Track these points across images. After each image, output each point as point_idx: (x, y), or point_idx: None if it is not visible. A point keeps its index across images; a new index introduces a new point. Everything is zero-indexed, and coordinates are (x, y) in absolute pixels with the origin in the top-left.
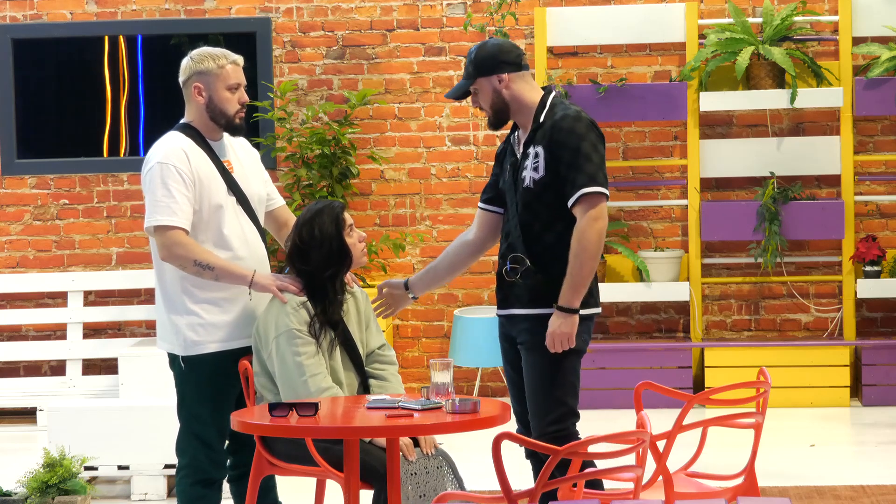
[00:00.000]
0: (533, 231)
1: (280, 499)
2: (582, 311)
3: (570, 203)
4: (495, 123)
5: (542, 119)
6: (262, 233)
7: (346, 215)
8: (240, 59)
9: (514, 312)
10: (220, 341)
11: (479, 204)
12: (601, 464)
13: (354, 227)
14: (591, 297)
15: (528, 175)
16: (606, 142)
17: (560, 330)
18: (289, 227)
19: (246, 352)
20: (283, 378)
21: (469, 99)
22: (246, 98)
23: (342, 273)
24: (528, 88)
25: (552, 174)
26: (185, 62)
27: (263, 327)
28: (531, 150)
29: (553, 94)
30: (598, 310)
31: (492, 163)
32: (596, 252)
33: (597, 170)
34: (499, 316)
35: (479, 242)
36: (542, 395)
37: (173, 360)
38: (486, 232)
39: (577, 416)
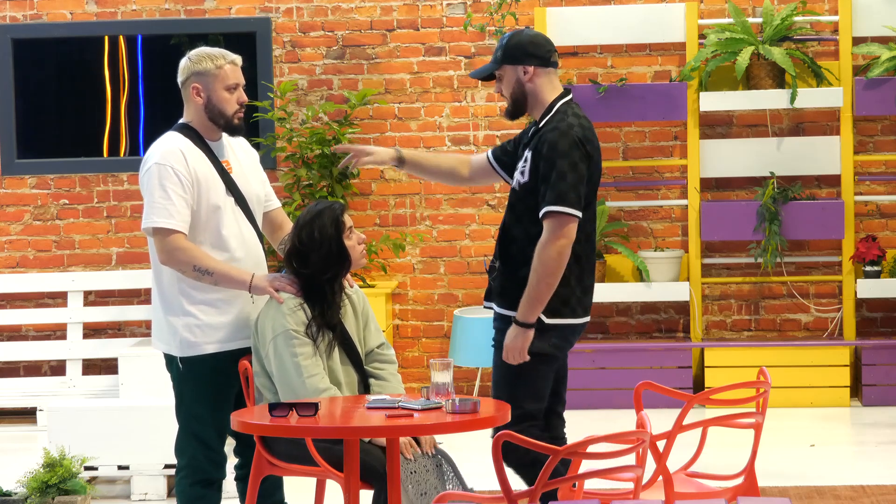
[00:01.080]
0: (511, 232)
1: (285, 499)
2: (548, 320)
3: (540, 215)
4: (512, 113)
5: (541, 124)
6: (260, 234)
7: (346, 217)
8: (238, 59)
9: (491, 306)
10: (217, 342)
11: (488, 153)
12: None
13: (354, 229)
14: (565, 307)
15: (517, 177)
16: (607, 142)
17: (513, 343)
18: (283, 229)
19: (244, 352)
20: (281, 379)
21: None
22: (245, 98)
23: (341, 276)
24: (549, 87)
25: (534, 182)
26: (183, 62)
27: (261, 328)
28: (526, 153)
29: (565, 99)
30: (574, 320)
31: None
32: (554, 270)
33: (568, 189)
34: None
35: (466, 176)
36: (502, 395)
37: (170, 360)
38: (476, 175)
39: (537, 420)
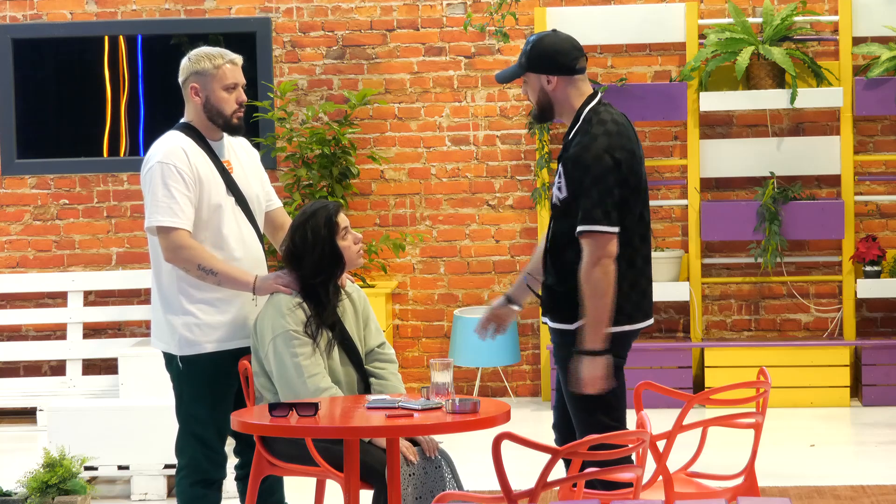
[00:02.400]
0: (556, 244)
1: (286, 499)
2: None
3: (576, 233)
4: (539, 118)
5: (571, 135)
6: (260, 234)
7: (341, 217)
8: (238, 59)
9: (546, 322)
10: (216, 341)
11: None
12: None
13: (350, 230)
14: (621, 315)
15: (555, 193)
16: None
17: (589, 374)
18: (284, 229)
19: (243, 352)
20: (281, 379)
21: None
22: (244, 98)
23: (335, 277)
24: (576, 94)
25: (572, 196)
26: (183, 62)
27: (261, 329)
28: (559, 167)
29: (592, 104)
30: (631, 326)
31: (491, 163)
32: (604, 290)
33: (593, 207)
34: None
35: None
36: (577, 411)
37: (169, 360)
38: None
39: (618, 429)
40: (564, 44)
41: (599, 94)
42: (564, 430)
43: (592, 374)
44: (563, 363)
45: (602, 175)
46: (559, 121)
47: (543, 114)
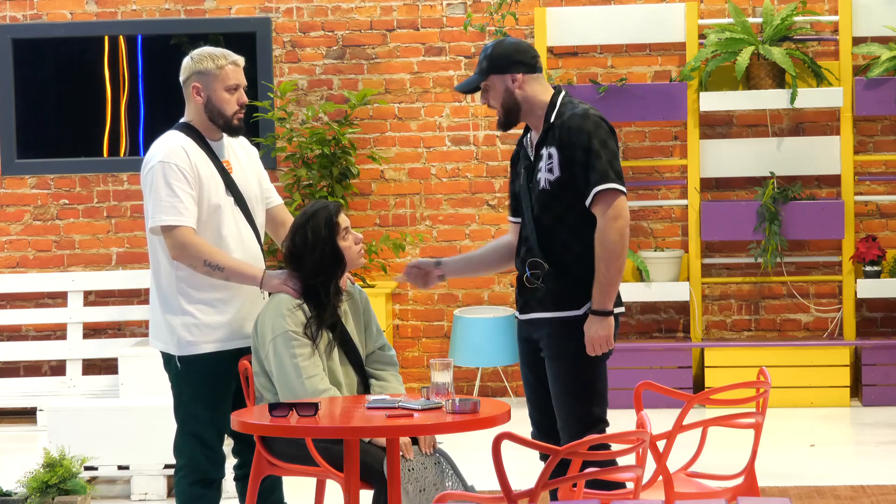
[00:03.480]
0: (551, 232)
1: (285, 499)
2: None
3: (587, 203)
4: (505, 124)
5: (552, 119)
6: (259, 234)
7: (342, 218)
8: (240, 60)
9: (536, 316)
10: (215, 342)
11: (509, 218)
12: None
13: (351, 230)
14: (617, 297)
15: (544, 177)
16: None
17: (598, 334)
18: (286, 226)
19: (243, 352)
20: (280, 380)
21: (478, 95)
22: (245, 99)
23: (336, 278)
24: (542, 90)
25: (568, 174)
26: (185, 61)
27: (261, 329)
28: (544, 152)
29: (562, 94)
30: (622, 309)
31: (491, 163)
32: (620, 251)
33: (607, 166)
34: (519, 320)
35: (514, 249)
36: (568, 405)
37: (168, 360)
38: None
39: (606, 423)
40: (522, 44)
41: (564, 91)
42: (548, 427)
43: (603, 333)
44: (563, 353)
45: (605, 139)
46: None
47: (509, 117)
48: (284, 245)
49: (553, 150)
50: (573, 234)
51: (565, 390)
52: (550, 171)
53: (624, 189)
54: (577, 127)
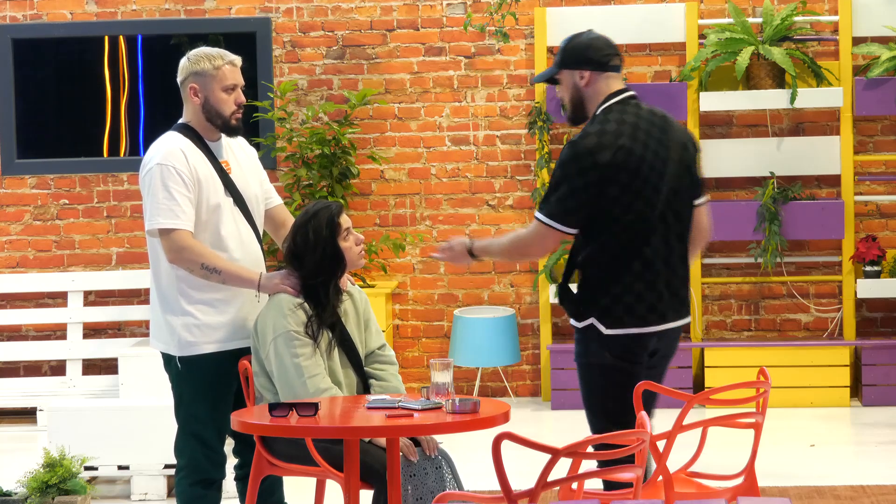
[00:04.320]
0: (575, 244)
1: (285, 499)
2: (607, 331)
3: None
4: (572, 119)
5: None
6: (259, 234)
7: (344, 218)
8: (237, 60)
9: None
10: (215, 342)
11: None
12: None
13: (352, 230)
14: (630, 315)
15: None
16: None
17: (453, 254)
18: (286, 226)
19: (243, 352)
20: (281, 379)
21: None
22: (242, 99)
23: (336, 278)
24: (604, 91)
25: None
26: (182, 62)
27: (262, 328)
28: None
29: (610, 101)
30: (641, 329)
31: (491, 163)
32: (510, 254)
33: (553, 200)
34: None
35: None
36: (586, 412)
37: (168, 360)
38: None
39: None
40: (598, 41)
41: (625, 95)
42: None
43: (458, 256)
44: (577, 360)
45: (573, 175)
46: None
47: (575, 112)
48: (285, 244)
49: None
50: (584, 248)
51: (584, 399)
52: None
53: (556, 225)
54: (563, 150)
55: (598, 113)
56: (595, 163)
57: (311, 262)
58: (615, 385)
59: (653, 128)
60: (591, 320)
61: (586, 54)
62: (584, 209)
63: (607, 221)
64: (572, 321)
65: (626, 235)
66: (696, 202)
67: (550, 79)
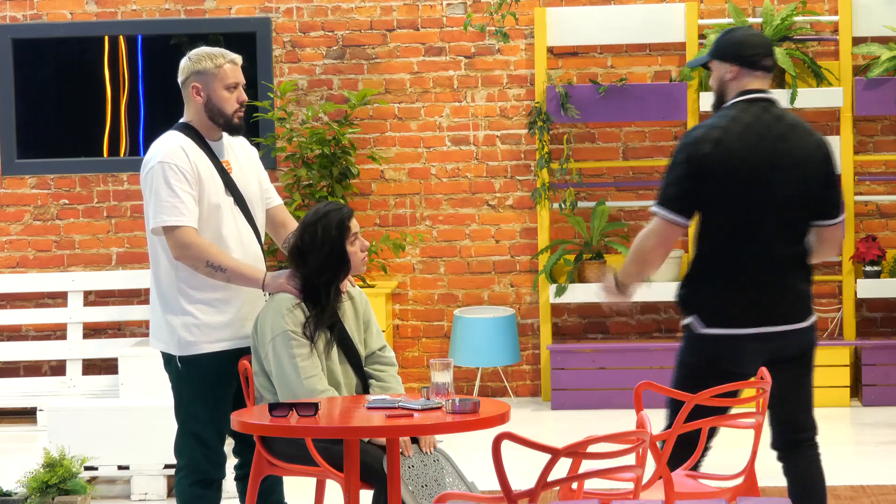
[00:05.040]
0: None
1: (285, 499)
2: (702, 330)
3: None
4: (717, 107)
5: None
6: (259, 234)
7: (353, 223)
8: (238, 59)
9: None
10: (215, 342)
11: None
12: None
13: (359, 237)
14: (720, 316)
15: None
16: (607, 142)
17: (605, 285)
18: (286, 226)
19: (243, 352)
20: (279, 379)
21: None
22: (244, 97)
23: (338, 280)
24: (736, 91)
25: None
26: (183, 62)
27: (261, 328)
28: None
29: (737, 99)
30: (732, 330)
31: (491, 163)
32: (634, 261)
33: (661, 187)
34: None
35: None
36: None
37: (168, 360)
38: None
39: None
40: (752, 38)
41: (756, 96)
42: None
43: (604, 291)
44: (677, 356)
45: (676, 163)
46: None
47: (717, 102)
48: (291, 240)
49: None
50: (696, 245)
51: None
52: None
53: (663, 213)
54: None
55: (722, 108)
56: (696, 153)
57: (316, 261)
58: (703, 383)
59: (769, 133)
60: (691, 318)
61: (737, 50)
62: (688, 197)
63: (707, 221)
64: (684, 319)
65: (722, 237)
66: (827, 222)
67: (702, 65)
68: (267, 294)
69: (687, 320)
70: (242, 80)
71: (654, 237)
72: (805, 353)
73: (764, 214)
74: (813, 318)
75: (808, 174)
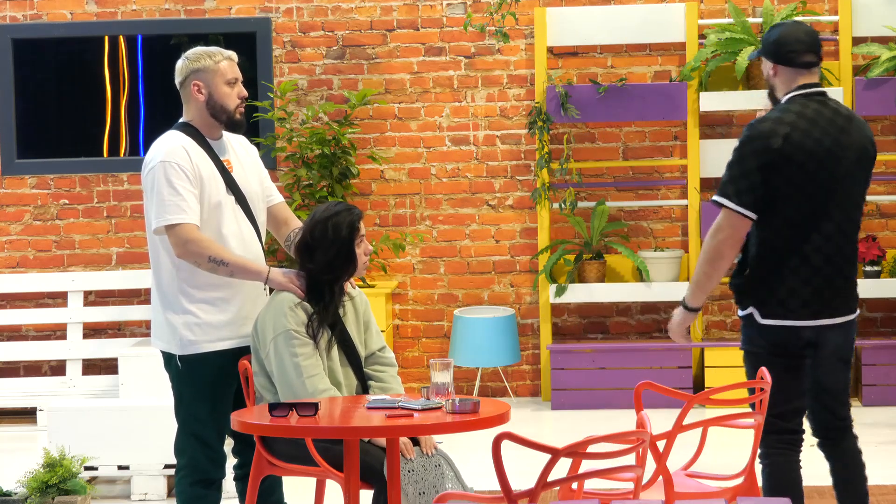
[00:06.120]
0: (748, 236)
1: (285, 499)
2: (763, 321)
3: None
4: (771, 100)
5: None
6: (260, 233)
7: (362, 225)
8: (234, 55)
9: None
10: (216, 341)
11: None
12: (601, 464)
13: (365, 239)
14: (781, 308)
15: None
16: (607, 142)
17: (672, 321)
18: (288, 224)
19: (243, 351)
20: (280, 379)
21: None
22: (245, 92)
23: (343, 279)
24: (786, 86)
25: None
26: (180, 63)
27: (261, 327)
28: None
29: (792, 94)
30: (792, 322)
31: (491, 163)
32: (709, 259)
33: (727, 181)
34: None
35: None
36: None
37: (169, 359)
38: None
39: (780, 429)
40: (790, 35)
41: (811, 90)
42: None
43: (676, 324)
44: (741, 346)
45: (744, 156)
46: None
47: (771, 96)
48: (299, 234)
49: None
50: (748, 237)
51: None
52: None
53: (733, 206)
54: (742, 131)
55: (781, 102)
56: (766, 147)
57: (323, 258)
58: (756, 367)
59: (831, 127)
60: (751, 309)
61: (773, 48)
62: (757, 191)
63: (771, 214)
64: (741, 311)
65: (788, 230)
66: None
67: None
68: (267, 290)
69: (745, 311)
70: (240, 75)
71: (727, 229)
72: (851, 342)
73: (828, 208)
74: (857, 311)
75: (865, 166)
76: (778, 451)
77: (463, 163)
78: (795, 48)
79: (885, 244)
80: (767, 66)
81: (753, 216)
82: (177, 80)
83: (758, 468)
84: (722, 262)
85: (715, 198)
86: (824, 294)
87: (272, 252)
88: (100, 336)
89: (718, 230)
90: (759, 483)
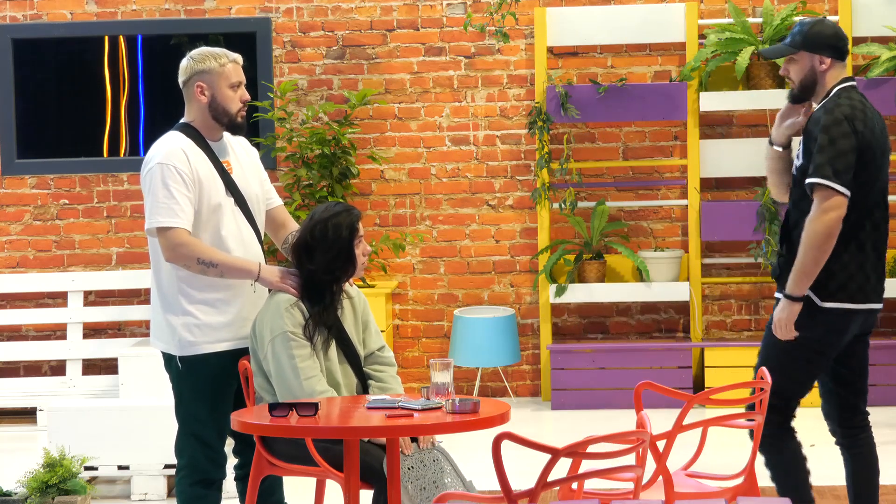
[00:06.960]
0: (791, 216)
1: (285, 499)
2: (822, 304)
3: (809, 192)
4: (797, 97)
5: (817, 109)
6: (260, 234)
7: (361, 226)
8: (239, 58)
9: (775, 294)
10: (215, 342)
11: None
12: (601, 464)
13: (364, 240)
14: (843, 293)
15: (794, 162)
16: (607, 142)
17: (779, 315)
18: (286, 227)
19: (243, 352)
20: (279, 380)
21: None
22: (247, 96)
23: (342, 280)
24: (836, 78)
25: (807, 162)
26: (184, 63)
27: (259, 329)
28: (801, 138)
29: (844, 85)
30: (852, 305)
31: (491, 163)
32: (819, 243)
33: (825, 162)
34: None
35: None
36: (770, 375)
37: (169, 360)
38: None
39: (783, 410)
40: (841, 31)
41: (852, 83)
42: (832, 414)
43: (784, 317)
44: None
45: (836, 137)
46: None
47: (803, 93)
48: (298, 234)
49: (802, 137)
50: (795, 219)
51: (767, 361)
52: (798, 156)
53: (838, 187)
54: (818, 119)
55: (836, 90)
56: (854, 129)
57: (323, 259)
58: (806, 359)
59: (876, 116)
60: (808, 292)
61: (831, 41)
62: (851, 171)
63: None
64: (779, 293)
65: (853, 213)
66: None
67: (781, 55)
68: (256, 287)
69: (800, 295)
70: (244, 79)
71: (835, 210)
72: (871, 331)
73: (878, 196)
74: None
75: (890, 154)
76: (790, 434)
77: (463, 163)
78: (847, 42)
79: None
80: (814, 60)
81: (849, 196)
82: (180, 80)
83: (760, 466)
84: (830, 242)
85: (814, 179)
86: (871, 279)
87: (272, 253)
88: (100, 336)
89: (824, 212)
90: (759, 483)
